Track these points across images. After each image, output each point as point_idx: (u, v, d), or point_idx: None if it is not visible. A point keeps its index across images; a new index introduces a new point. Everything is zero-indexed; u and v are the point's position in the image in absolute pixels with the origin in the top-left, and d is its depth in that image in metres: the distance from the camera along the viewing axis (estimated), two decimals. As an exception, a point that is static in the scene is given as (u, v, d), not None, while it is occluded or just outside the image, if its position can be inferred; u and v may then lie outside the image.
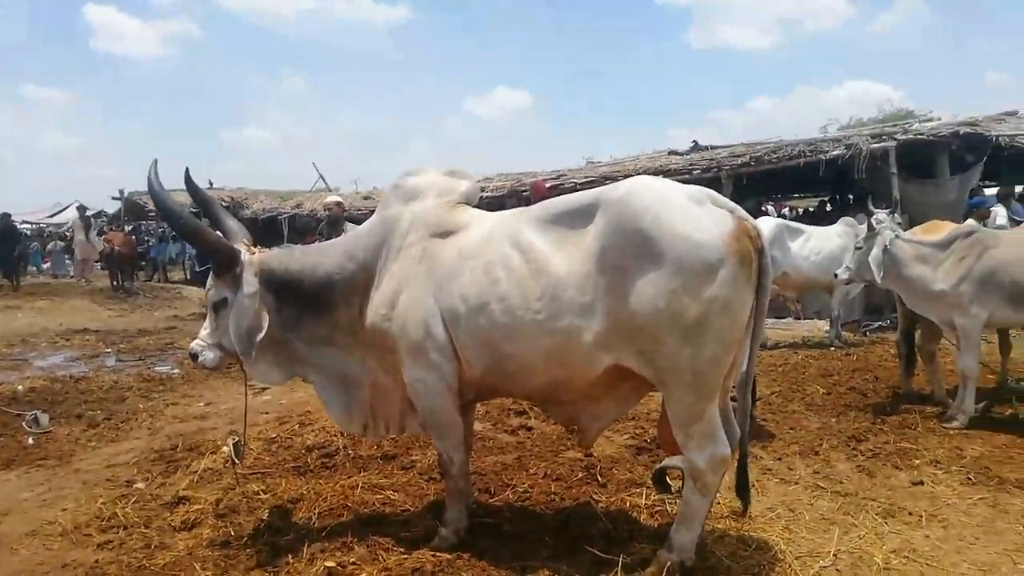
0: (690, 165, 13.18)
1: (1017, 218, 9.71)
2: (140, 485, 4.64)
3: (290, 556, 3.40)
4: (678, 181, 3.27)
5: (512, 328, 3.09)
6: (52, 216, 34.04)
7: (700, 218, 2.88)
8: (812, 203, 20.99)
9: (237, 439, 4.76)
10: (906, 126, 12.18)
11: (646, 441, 5.06)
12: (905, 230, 5.94)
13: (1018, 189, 14.47)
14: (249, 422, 5.97)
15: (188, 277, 22.74)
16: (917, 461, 4.57)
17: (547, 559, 3.30)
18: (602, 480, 4.33)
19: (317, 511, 3.94)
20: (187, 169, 3.90)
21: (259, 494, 4.26)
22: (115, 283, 17.87)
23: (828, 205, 17.57)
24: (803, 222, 11.66)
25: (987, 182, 13.51)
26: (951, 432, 5.12)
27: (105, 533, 3.88)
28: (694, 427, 2.97)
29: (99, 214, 29.92)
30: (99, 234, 21.38)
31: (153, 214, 24.12)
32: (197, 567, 3.34)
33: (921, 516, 3.74)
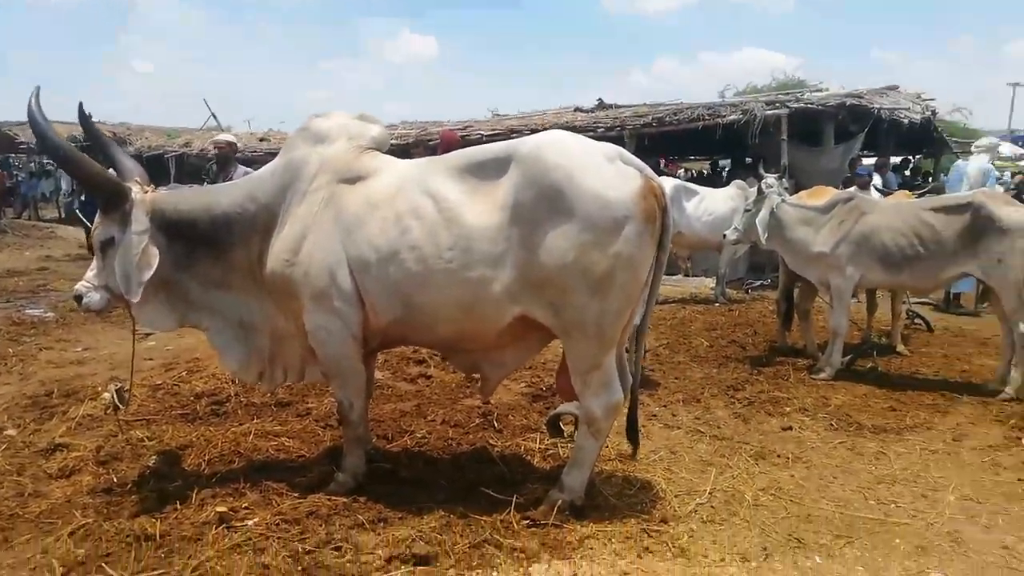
0: (595, 123, 13.34)
1: (888, 189, 10.43)
2: (11, 432, 4.37)
3: (178, 502, 3.31)
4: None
5: (423, 277, 3.08)
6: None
7: (611, 176, 2.95)
8: (707, 165, 21.79)
9: (120, 384, 4.56)
10: (798, 95, 12.76)
11: (542, 389, 5.20)
12: (792, 194, 6.29)
13: (894, 160, 15.56)
14: (133, 368, 5.74)
15: (62, 216, 21.17)
16: (788, 409, 4.94)
17: (443, 501, 3.37)
18: (498, 426, 4.44)
19: (207, 458, 3.85)
20: (80, 103, 3.64)
21: (144, 441, 4.11)
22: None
23: (725, 167, 18.26)
24: (698, 183, 12.10)
25: (866, 152, 14.40)
26: (819, 383, 5.55)
27: (-28, 481, 3.65)
28: (592, 376, 3.09)
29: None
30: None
31: (23, 146, 22.17)
32: (77, 514, 3.21)
33: (788, 458, 4.06)
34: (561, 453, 3.96)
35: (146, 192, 3.49)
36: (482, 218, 3.02)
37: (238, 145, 8.15)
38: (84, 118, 3.71)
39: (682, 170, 22.49)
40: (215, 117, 21.97)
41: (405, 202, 3.16)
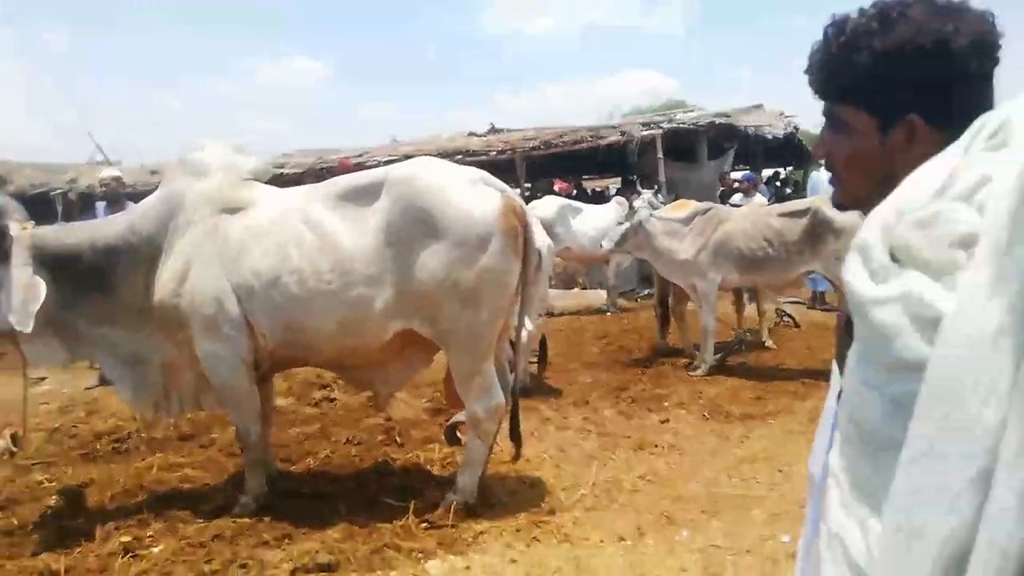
0: (487, 146, 13.79)
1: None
2: None
3: (82, 538, 3.38)
4: (476, 161, 3.70)
5: (305, 300, 3.32)
6: None
7: (474, 196, 3.29)
8: (601, 184, 22.71)
9: (14, 429, 4.53)
10: (672, 115, 13.65)
11: (443, 404, 5.46)
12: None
13: (766, 173, 16.77)
14: (28, 412, 5.63)
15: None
16: (666, 404, 5.41)
17: (345, 514, 3.58)
18: (400, 441, 4.67)
19: (110, 494, 3.90)
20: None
21: (43, 483, 4.12)
22: None
23: (616, 186, 19.12)
24: (592, 202, 12.73)
25: (741, 166, 15.49)
26: (695, 378, 6.08)
27: None
28: (473, 381, 3.40)
29: None
30: None
31: None
32: (-24, 558, 3.24)
33: (664, 447, 4.50)
34: (458, 461, 4.24)
35: (24, 229, 3.54)
36: (358, 241, 3.29)
37: (125, 180, 8.04)
38: None
39: (574, 191, 23.29)
40: (101, 150, 21.14)
41: (285, 231, 3.38)
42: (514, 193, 3.48)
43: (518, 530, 3.38)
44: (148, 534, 3.39)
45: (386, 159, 14.07)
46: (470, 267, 3.21)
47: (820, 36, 0.97)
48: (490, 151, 13.40)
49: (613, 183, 23.12)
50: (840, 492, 0.53)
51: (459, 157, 12.62)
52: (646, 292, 11.36)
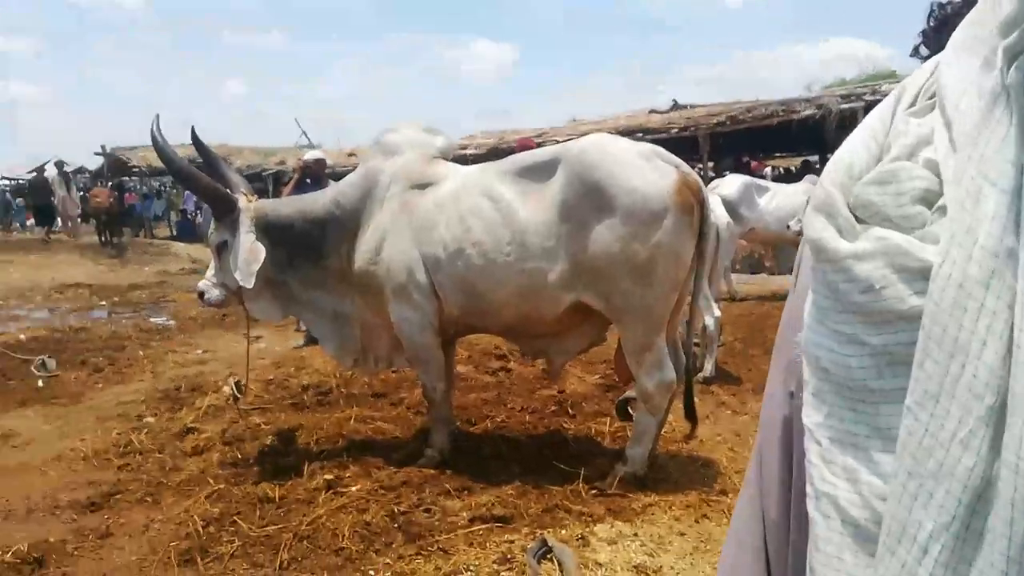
0: (668, 124, 13.52)
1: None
2: (150, 419, 5.07)
3: (292, 473, 3.86)
4: (656, 139, 3.70)
5: (485, 270, 3.51)
6: (31, 172, 33.74)
7: (647, 173, 3.29)
8: (795, 162, 21.40)
9: (238, 378, 5.20)
10: (876, 87, 12.55)
11: (615, 380, 5.51)
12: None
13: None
14: (248, 366, 6.42)
15: (174, 234, 22.88)
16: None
17: (519, 474, 3.77)
18: (572, 412, 4.80)
19: (315, 438, 4.39)
20: (192, 128, 4.26)
21: (261, 426, 4.70)
22: (102, 239, 18.04)
23: (816, 165, 17.96)
24: (785, 181, 12.08)
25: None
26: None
27: (123, 458, 4.32)
28: (644, 356, 3.43)
29: (80, 170, 29.72)
30: (81, 190, 21.38)
31: (136, 169, 24.08)
32: (210, 481, 3.79)
33: (850, 439, 4.24)
34: (629, 434, 4.28)
35: (250, 201, 4.04)
36: (535, 215, 3.41)
37: (327, 161, 8.81)
38: (196, 139, 4.32)
39: (769, 168, 22.18)
40: (306, 135, 23.26)
41: (468, 204, 3.58)
42: (690, 169, 3.43)
43: (688, 506, 3.37)
44: (347, 475, 3.79)
45: (565, 138, 14.23)
46: (643, 242, 3.23)
47: None
48: (671, 128, 13.12)
49: (792, 163, 21.74)
50: (820, 448, 0.53)
51: (639, 135, 12.50)
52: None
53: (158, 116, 3.94)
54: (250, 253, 3.81)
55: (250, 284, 3.76)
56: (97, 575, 3.03)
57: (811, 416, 0.54)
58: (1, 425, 4.98)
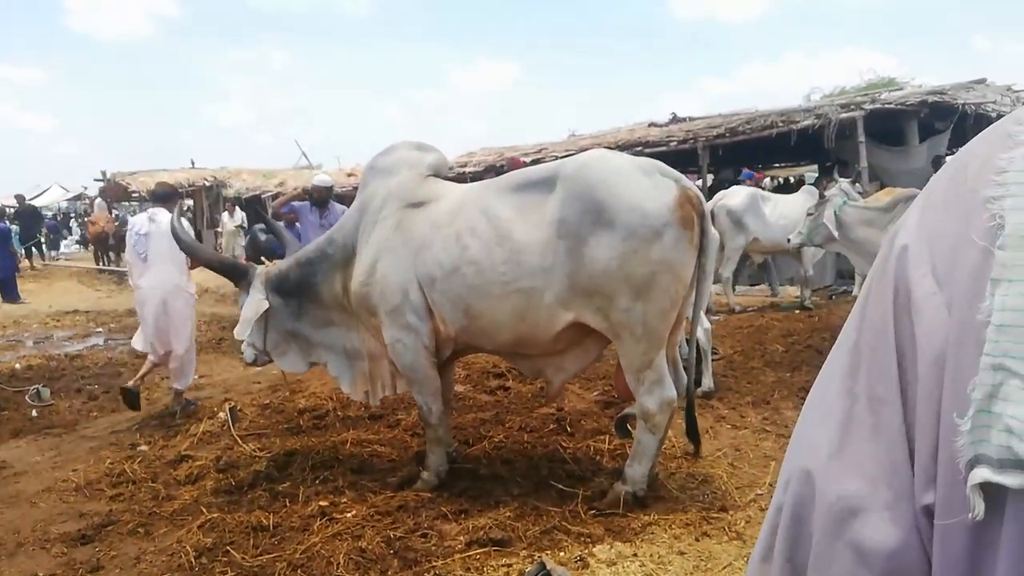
0: (667, 137, 13.47)
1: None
2: (144, 447, 5.00)
3: (287, 500, 3.79)
4: (656, 152, 3.68)
5: (481, 289, 3.46)
6: (34, 198, 33.87)
7: (647, 188, 3.24)
8: (796, 172, 21.39)
9: (233, 405, 5.14)
10: (875, 95, 12.52)
11: (613, 397, 5.45)
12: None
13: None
14: (242, 390, 6.37)
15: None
16: (858, 407, 5.00)
17: (517, 495, 3.70)
18: (571, 430, 4.73)
19: (310, 463, 4.31)
20: (259, 205, 4.45)
21: (256, 452, 4.63)
22: (100, 264, 18.05)
23: (816, 174, 17.91)
24: (783, 192, 12.04)
25: (954, 149, 13.92)
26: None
27: (116, 487, 4.25)
28: (644, 374, 3.36)
29: (80, 196, 29.81)
30: (80, 216, 21.32)
31: (135, 195, 24.12)
32: (204, 510, 3.72)
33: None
34: (628, 452, 4.21)
35: (265, 265, 4.29)
36: (532, 234, 3.36)
37: (333, 188, 8.80)
38: (265, 217, 5.28)
39: (768, 179, 22.15)
40: (306, 156, 23.31)
41: (463, 223, 3.54)
42: (691, 183, 3.39)
43: (688, 524, 3.30)
44: (343, 500, 3.73)
45: (563, 153, 14.23)
46: (644, 259, 3.17)
47: None
48: (670, 141, 13.09)
49: (810, 171, 21.72)
50: None
51: (638, 149, 12.46)
52: (842, 290, 10.57)
53: (180, 206, 4.27)
54: (249, 307, 4.08)
55: (243, 335, 4.09)
56: (85, 610, 2.95)
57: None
58: (-6, 456, 4.92)
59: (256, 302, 4.07)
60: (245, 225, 15.27)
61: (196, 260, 4.82)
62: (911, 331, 0.55)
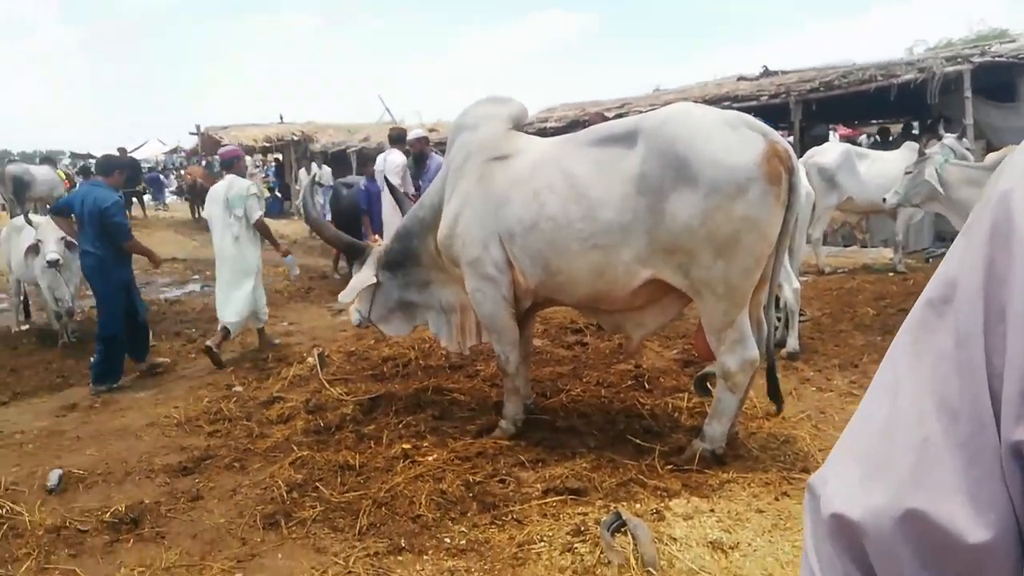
0: (758, 91, 12.92)
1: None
2: (239, 388, 5.29)
3: (371, 442, 3.95)
4: (746, 107, 3.54)
5: (559, 245, 3.45)
6: (134, 150, 35.60)
7: (732, 142, 3.13)
8: (896, 128, 20.24)
9: (321, 350, 5.35)
10: (985, 47, 11.63)
11: (693, 356, 5.39)
12: (984, 155, 5.90)
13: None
14: (329, 338, 6.61)
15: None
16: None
17: (594, 447, 3.74)
18: (649, 387, 4.71)
19: (393, 408, 4.47)
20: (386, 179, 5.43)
21: (342, 395, 4.82)
22: (195, 216, 18.88)
23: (914, 130, 16.92)
24: (881, 148, 11.43)
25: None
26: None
27: (213, 424, 4.53)
28: (726, 333, 3.30)
29: (176, 149, 31.14)
30: (177, 168, 22.24)
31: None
32: (294, 448, 3.93)
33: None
34: (707, 410, 4.17)
35: (377, 244, 4.57)
36: (610, 189, 3.31)
37: (428, 139, 8.88)
38: (392, 187, 5.40)
39: (864, 136, 21.06)
40: (389, 111, 23.57)
41: (542, 179, 3.52)
42: (779, 136, 3.25)
43: (767, 483, 3.27)
44: (424, 444, 3.86)
45: (647, 108, 13.88)
46: (727, 216, 3.08)
47: None
48: (761, 95, 12.56)
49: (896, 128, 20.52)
50: None
51: (726, 104, 12.01)
52: (940, 252, 10.02)
53: (312, 181, 5.39)
54: (357, 278, 4.37)
55: (346, 300, 4.37)
56: (188, 536, 3.19)
57: None
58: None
59: (366, 277, 4.31)
60: (322, 181, 15.62)
61: (321, 237, 5.11)
62: (1008, 264, 0.53)
